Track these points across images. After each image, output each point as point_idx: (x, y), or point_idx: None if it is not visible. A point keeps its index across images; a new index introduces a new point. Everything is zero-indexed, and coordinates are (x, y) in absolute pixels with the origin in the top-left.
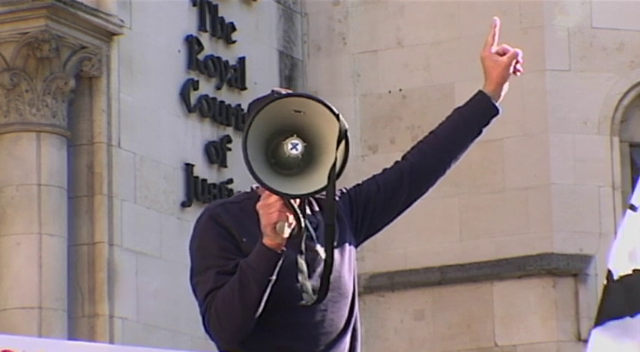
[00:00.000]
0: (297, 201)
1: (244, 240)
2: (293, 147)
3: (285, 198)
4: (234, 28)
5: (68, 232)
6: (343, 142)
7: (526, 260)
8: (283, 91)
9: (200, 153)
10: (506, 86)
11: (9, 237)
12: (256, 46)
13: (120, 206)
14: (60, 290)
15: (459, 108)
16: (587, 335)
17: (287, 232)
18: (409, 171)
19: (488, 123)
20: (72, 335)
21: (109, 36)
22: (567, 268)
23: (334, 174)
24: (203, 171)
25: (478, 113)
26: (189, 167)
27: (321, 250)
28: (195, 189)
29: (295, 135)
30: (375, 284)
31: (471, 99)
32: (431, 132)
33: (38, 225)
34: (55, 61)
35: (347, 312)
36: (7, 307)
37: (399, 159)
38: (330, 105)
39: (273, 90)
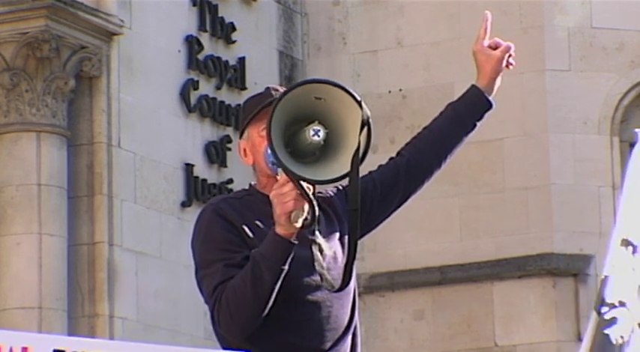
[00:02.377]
0: (311, 189)
1: (249, 234)
2: (315, 133)
3: (316, 184)
4: (234, 28)
5: (68, 232)
6: (365, 129)
7: (526, 260)
8: (280, 88)
9: (200, 153)
10: (498, 80)
11: (9, 236)
12: (256, 46)
13: (120, 206)
14: (60, 290)
15: (452, 103)
16: None
17: (300, 222)
18: (405, 167)
19: (482, 117)
20: (72, 336)
21: (109, 36)
22: (567, 268)
23: (358, 160)
24: (203, 171)
25: (472, 108)
26: (189, 167)
27: (323, 242)
28: (195, 189)
29: (317, 122)
30: (375, 284)
31: (464, 94)
32: (425, 128)
33: (38, 225)
34: (55, 61)
35: (349, 309)
36: (6, 307)
37: (394, 155)
38: (352, 92)
39: (268, 88)
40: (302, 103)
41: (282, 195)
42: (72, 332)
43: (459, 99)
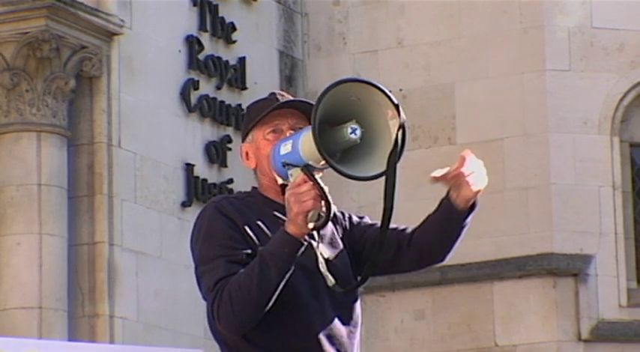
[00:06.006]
0: (327, 189)
1: (250, 233)
2: (352, 131)
3: (354, 180)
4: (234, 28)
5: (68, 232)
6: (400, 133)
7: (526, 260)
8: (285, 94)
9: (200, 152)
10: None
11: (9, 236)
12: (256, 46)
13: (120, 206)
14: (60, 290)
15: (434, 214)
16: (587, 335)
17: (314, 222)
18: (409, 249)
19: (469, 215)
20: (72, 335)
21: (109, 36)
22: (567, 268)
23: (395, 158)
24: (203, 170)
25: (455, 219)
26: (189, 167)
27: (321, 244)
28: (195, 189)
29: (354, 121)
30: (375, 284)
31: (440, 206)
32: (418, 231)
33: (38, 224)
34: (56, 61)
35: (352, 311)
36: (7, 307)
37: (403, 227)
38: (389, 94)
39: (273, 93)
40: (339, 102)
41: (301, 193)
42: (72, 332)
43: (438, 211)
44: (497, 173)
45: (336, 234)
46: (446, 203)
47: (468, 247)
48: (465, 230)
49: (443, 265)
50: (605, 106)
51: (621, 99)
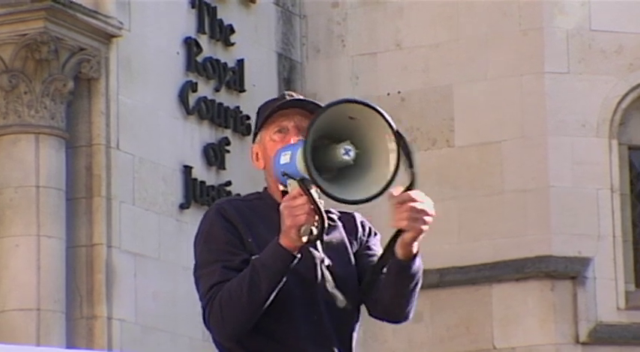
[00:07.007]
0: (322, 204)
1: (249, 239)
2: (346, 152)
3: (341, 203)
4: (232, 30)
5: (67, 234)
6: (403, 157)
7: (524, 262)
8: (294, 94)
9: (198, 155)
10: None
11: (7, 238)
12: (255, 48)
13: (118, 208)
14: (58, 291)
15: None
16: (585, 337)
17: (307, 236)
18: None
19: (412, 267)
20: (70, 337)
21: (107, 38)
22: (565, 271)
23: (390, 178)
24: (201, 173)
25: (401, 271)
26: (187, 169)
27: (325, 257)
28: (193, 191)
29: (349, 141)
30: None
31: (389, 268)
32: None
33: (37, 226)
34: (54, 63)
35: (350, 321)
36: (5, 309)
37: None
38: (389, 119)
39: (284, 93)
40: (335, 121)
41: (294, 207)
42: (70, 333)
43: (388, 272)
44: (495, 175)
45: (348, 244)
46: (392, 257)
47: (466, 250)
48: (415, 284)
49: (441, 267)
50: (604, 109)
51: (620, 102)
